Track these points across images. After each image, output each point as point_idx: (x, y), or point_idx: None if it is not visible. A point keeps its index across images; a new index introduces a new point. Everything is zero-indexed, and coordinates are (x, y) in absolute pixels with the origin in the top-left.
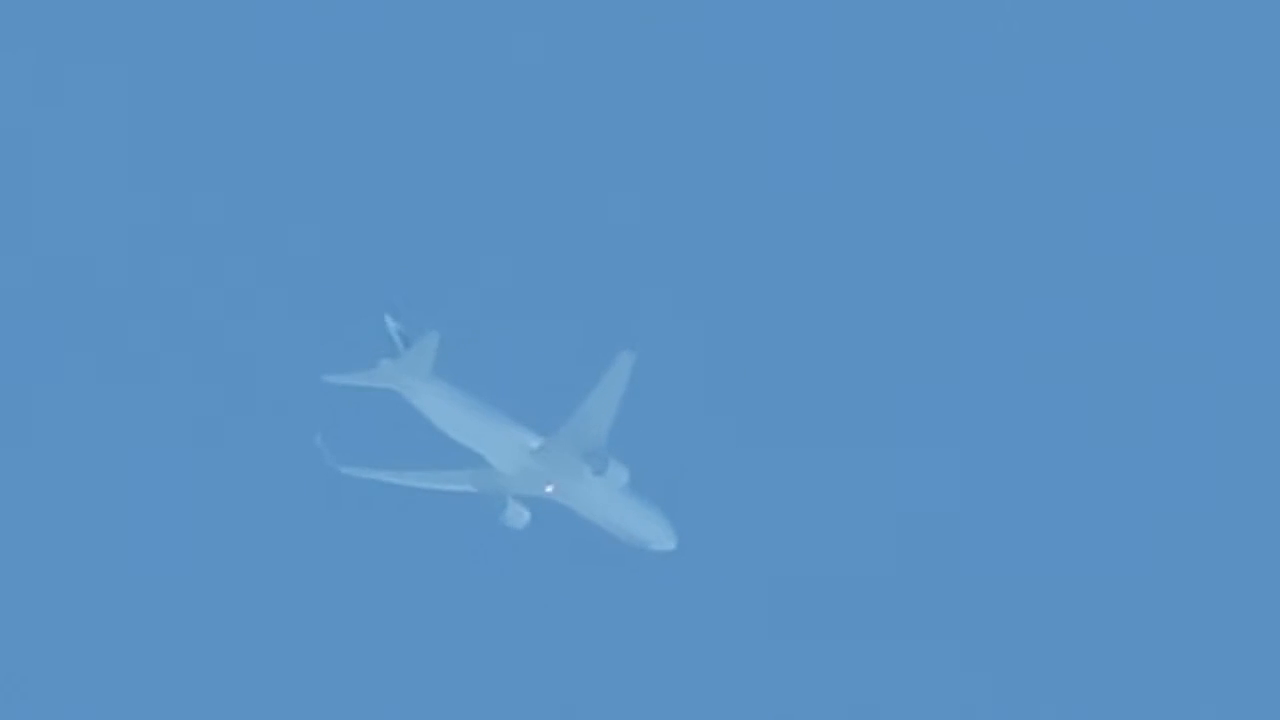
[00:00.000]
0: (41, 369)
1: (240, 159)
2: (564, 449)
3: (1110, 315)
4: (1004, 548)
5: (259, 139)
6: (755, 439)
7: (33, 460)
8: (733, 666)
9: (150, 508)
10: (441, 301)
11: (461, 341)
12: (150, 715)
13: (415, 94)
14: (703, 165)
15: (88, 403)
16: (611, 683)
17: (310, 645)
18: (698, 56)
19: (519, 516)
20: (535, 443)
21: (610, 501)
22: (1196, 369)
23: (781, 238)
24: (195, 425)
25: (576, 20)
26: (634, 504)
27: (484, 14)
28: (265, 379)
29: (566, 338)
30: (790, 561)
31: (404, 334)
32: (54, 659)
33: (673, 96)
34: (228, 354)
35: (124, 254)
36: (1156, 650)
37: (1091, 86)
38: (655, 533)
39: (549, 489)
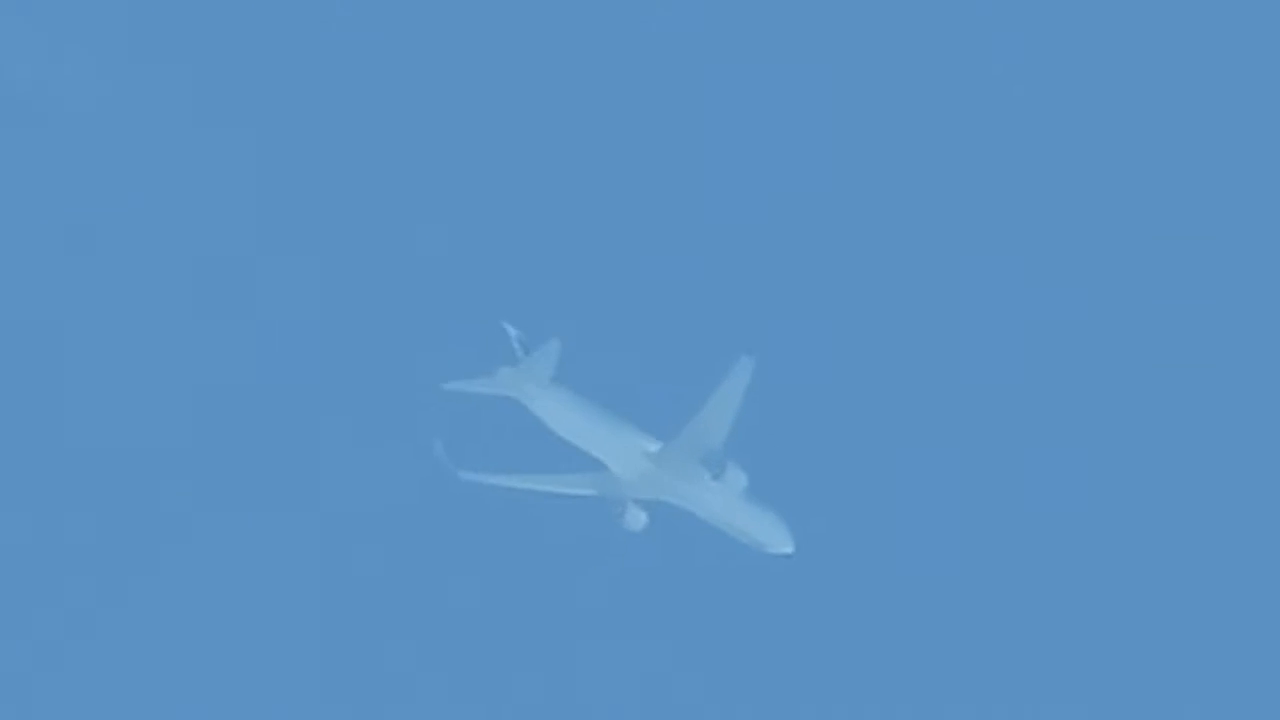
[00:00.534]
0: (152, 384)
1: (362, 166)
2: (682, 454)
3: None
4: (1139, 550)
5: (381, 145)
6: (874, 443)
7: (157, 474)
8: (850, 669)
9: (274, 514)
10: (559, 307)
11: (580, 348)
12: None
13: (540, 99)
14: (820, 170)
15: (208, 411)
16: (727, 682)
17: (439, 649)
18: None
19: (637, 520)
20: (653, 447)
21: (728, 505)
22: None
23: (899, 241)
24: (317, 434)
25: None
26: (751, 508)
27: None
28: (387, 387)
29: (685, 343)
30: (908, 565)
31: (523, 341)
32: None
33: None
34: (350, 363)
35: (244, 261)
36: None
37: (1092, 86)
38: (773, 536)
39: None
